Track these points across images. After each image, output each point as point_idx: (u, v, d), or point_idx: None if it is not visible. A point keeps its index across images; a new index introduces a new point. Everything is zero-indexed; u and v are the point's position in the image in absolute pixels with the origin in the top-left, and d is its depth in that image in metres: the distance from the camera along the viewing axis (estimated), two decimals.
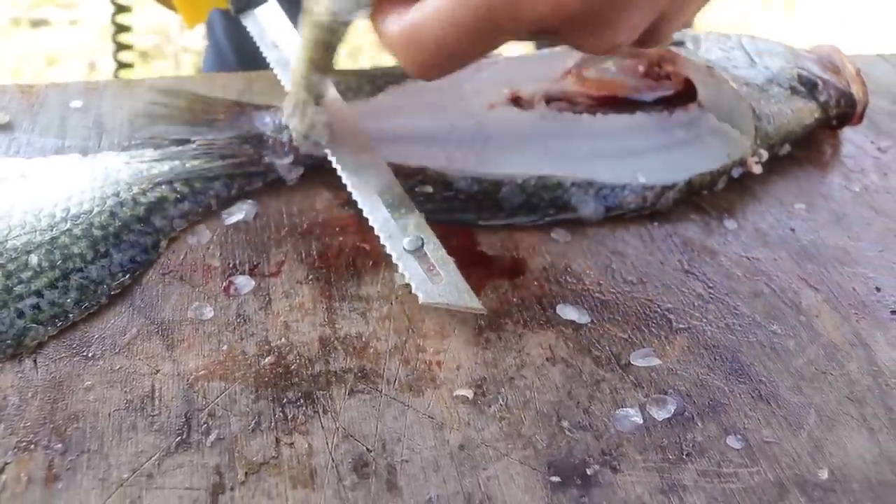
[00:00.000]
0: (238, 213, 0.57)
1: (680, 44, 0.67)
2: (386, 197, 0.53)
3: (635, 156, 0.62)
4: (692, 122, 0.64)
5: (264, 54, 0.61)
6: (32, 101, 0.65)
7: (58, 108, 0.65)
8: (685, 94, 0.67)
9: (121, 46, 0.95)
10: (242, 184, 0.58)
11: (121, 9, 0.92)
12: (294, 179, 0.60)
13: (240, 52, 0.99)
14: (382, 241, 0.53)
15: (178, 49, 2.18)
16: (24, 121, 0.64)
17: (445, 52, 0.44)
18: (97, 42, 2.33)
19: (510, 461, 0.45)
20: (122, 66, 0.97)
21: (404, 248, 0.51)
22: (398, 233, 0.52)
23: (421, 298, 0.50)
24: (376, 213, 0.52)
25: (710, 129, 0.64)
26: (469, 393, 0.48)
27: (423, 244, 0.51)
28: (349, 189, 0.54)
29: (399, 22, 0.44)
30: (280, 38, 0.63)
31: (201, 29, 1.11)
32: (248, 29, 0.63)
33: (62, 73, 2.18)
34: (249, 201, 0.58)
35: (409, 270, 0.51)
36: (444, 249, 0.51)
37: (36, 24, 2.36)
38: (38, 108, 0.65)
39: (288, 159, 0.59)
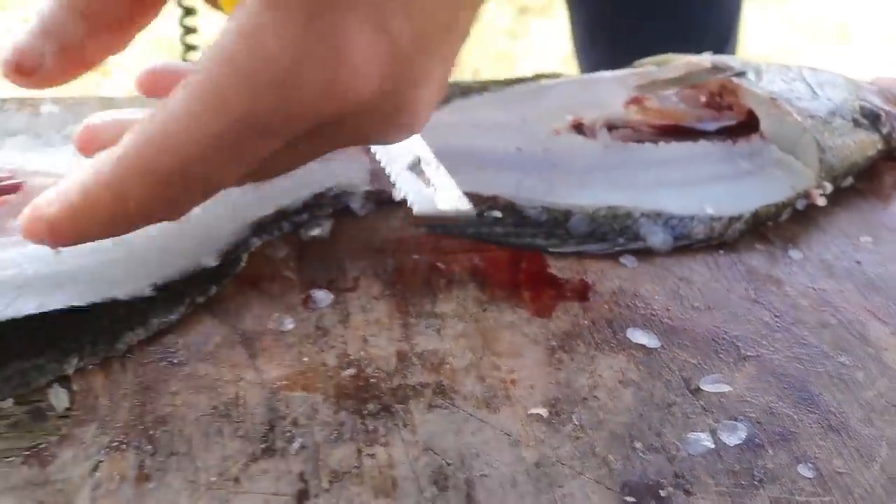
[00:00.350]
0: (314, 230, 0.58)
1: (741, 74, 0.68)
2: None
3: (700, 186, 0.63)
4: (755, 153, 0.65)
5: None
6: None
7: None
8: (747, 125, 0.68)
9: (189, 48, 0.96)
10: (316, 211, 0.59)
11: (188, 11, 0.94)
12: (366, 212, 0.61)
13: None
14: (382, 164, 0.53)
15: None
16: None
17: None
18: (148, 54, 2.36)
19: (585, 480, 0.46)
20: (189, 48, 0.98)
21: (403, 168, 0.51)
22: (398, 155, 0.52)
23: (415, 209, 0.50)
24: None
25: (773, 160, 0.65)
26: (544, 412, 0.49)
27: (420, 162, 0.52)
28: None
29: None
30: None
31: None
32: None
33: (112, 85, 2.21)
34: (324, 218, 0.59)
35: (405, 185, 0.51)
36: (442, 166, 0.52)
37: None
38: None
39: (360, 196, 0.61)
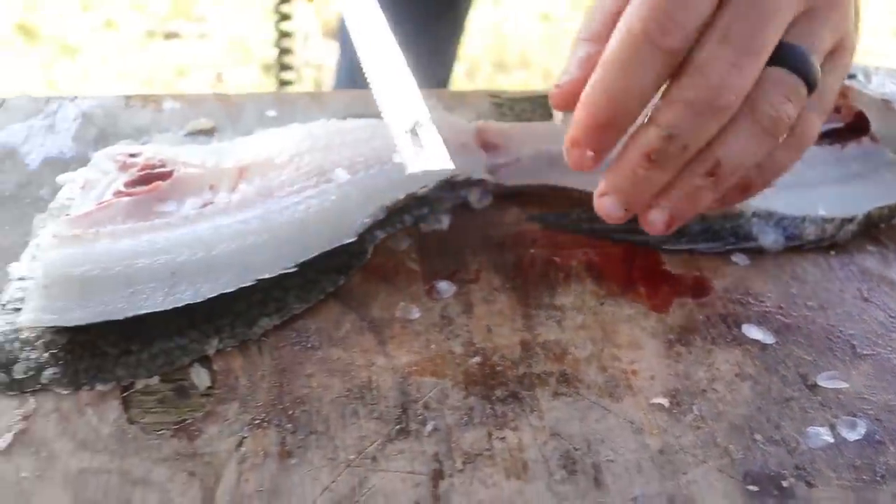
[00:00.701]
0: (434, 223, 0.60)
1: (852, 76, 0.69)
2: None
3: (812, 187, 0.63)
4: (867, 156, 0.66)
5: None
6: (231, 110, 0.69)
7: (255, 116, 0.69)
8: (855, 127, 0.68)
9: (283, 67, 0.99)
10: (436, 206, 0.61)
11: (283, 17, 0.96)
12: (483, 205, 0.63)
13: None
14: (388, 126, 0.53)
15: (300, 63, 2.24)
16: (226, 127, 0.68)
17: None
18: (224, 55, 2.40)
19: (708, 468, 0.47)
20: (283, 82, 1.01)
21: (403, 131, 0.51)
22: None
23: (407, 169, 0.50)
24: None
25: (885, 162, 0.65)
26: (665, 401, 0.50)
27: (416, 125, 0.51)
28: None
29: None
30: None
31: (332, 45, 1.13)
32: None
33: (191, 84, 2.25)
34: (444, 213, 0.61)
35: (402, 149, 0.51)
36: (434, 128, 0.52)
37: (168, 36, 2.45)
38: (237, 115, 0.69)
39: (478, 189, 0.63)
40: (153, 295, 0.50)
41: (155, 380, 0.50)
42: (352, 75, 1.07)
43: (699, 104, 0.45)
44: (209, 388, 0.49)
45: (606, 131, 0.47)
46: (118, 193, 0.55)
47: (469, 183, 0.61)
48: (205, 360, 0.51)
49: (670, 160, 0.47)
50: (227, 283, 0.52)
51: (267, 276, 0.53)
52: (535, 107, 0.71)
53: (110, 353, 0.50)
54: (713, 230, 0.61)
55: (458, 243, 0.60)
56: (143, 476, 0.44)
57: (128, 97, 0.69)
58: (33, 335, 0.50)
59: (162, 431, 0.47)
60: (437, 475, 0.46)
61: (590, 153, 0.48)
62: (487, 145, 0.63)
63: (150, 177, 0.56)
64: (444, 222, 0.61)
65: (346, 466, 0.46)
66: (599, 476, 0.47)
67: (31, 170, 0.62)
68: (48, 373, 0.48)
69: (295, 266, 0.54)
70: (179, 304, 0.51)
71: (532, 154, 0.64)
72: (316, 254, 0.55)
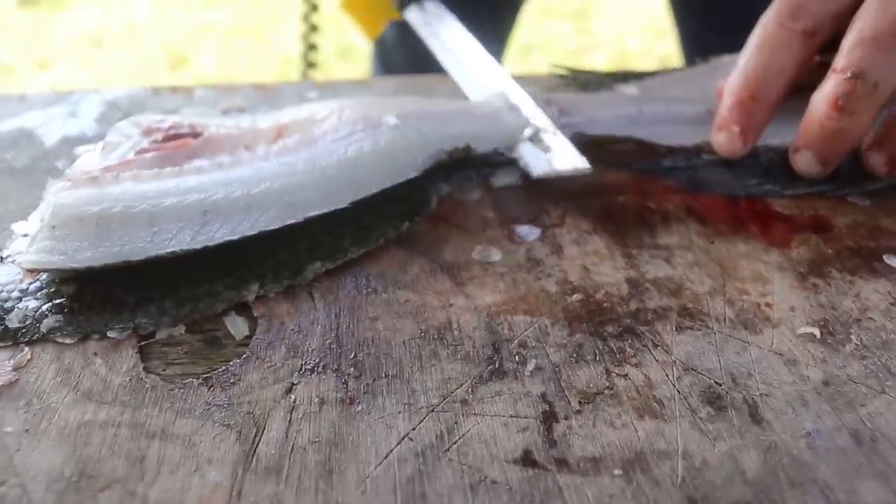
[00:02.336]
0: (506, 178, 0.46)
1: None
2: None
3: None
4: None
5: (438, 57, 0.58)
6: (269, 95, 0.56)
7: (295, 98, 0.56)
8: None
9: (311, 47, 0.86)
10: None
11: (314, 7, 0.85)
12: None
13: (409, 54, 0.90)
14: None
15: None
16: (260, 106, 0.54)
17: None
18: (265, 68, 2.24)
19: (890, 398, 0.33)
20: (309, 65, 0.88)
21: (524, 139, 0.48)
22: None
23: (533, 173, 0.46)
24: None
25: None
26: (815, 331, 0.35)
27: (539, 131, 0.49)
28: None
29: None
30: (450, 39, 0.58)
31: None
32: (416, 29, 0.56)
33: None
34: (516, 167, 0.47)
35: (525, 154, 0.48)
36: (559, 131, 0.48)
37: None
38: (274, 98, 0.56)
39: None
40: (180, 234, 0.36)
41: (181, 329, 0.34)
42: (385, 62, 0.94)
43: (881, 35, 0.42)
44: (247, 337, 0.34)
45: (749, 105, 0.46)
46: (142, 151, 0.41)
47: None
48: (242, 309, 0.36)
49: (861, 102, 0.42)
50: (271, 221, 0.39)
51: (316, 212, 0.39)
52: (600, 79, 0.57)
53: (127, 300, 0.36)
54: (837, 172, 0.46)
55: (535, 195, 0.45)
56: (162, 428, 0.30)
57: (155, 88, 0.56)
58: (35, 284, 0.37)
59: (188, 381, 0.31)
60: (550, 417, 0.31)
61: (736, 128, 0.46)
62: (560, 111, 0.50)
63: (179, 135, 0.42)
64: (515, 177, 0.46)
65: (428, 412, 0.30)
66: (755, 411, 0.33)
67: (47, 146, 0.48)
68: (49, 321, 0.33)
69: (349, 203, 0.41)
70: (212, 244, 0.38)
71: (610, 115, 0.50)
72: (372, 191, 0.43)
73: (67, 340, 0.34)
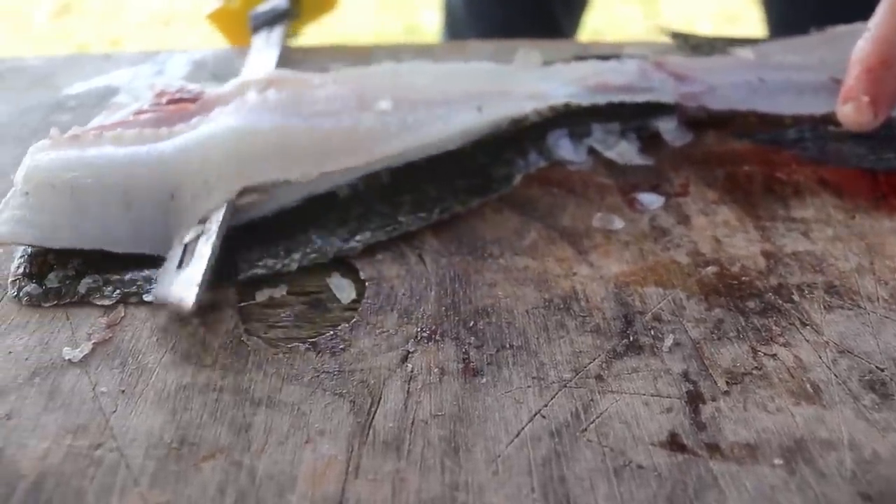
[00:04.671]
0: (619, 147, 0.42)
1: None
2: None
3: None
4: None
5: None
6: (360, 56, 0.53)
7: (387, 58, 0.52)
8: None
9: None
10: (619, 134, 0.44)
11: None
12: (680, 142, 0.44)
13: (480, 25, 0.85)
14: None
15: None
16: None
17: None
18: None
19: None
20: None
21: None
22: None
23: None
24: None
25: None
26: None
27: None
28: None
29: None
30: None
31: None
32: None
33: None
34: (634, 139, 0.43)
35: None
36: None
37: None
38: (367, 61, 0.52)
39: (672, 122, 0.46)
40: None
41: (282, 290, 0.31)
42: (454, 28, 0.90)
43: None
44: (354, 301, 0.30)
45: (880, 72, 0.41)
46: (140, 112, 0.38)
47: (659, 109, 0.43)
48: (347, 271, 0.32)
49: None
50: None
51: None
52: (711, 42, 0.52)
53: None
54: None
55: (653, 161, 0.41)
56: (268, 395, 0.26)
57: (242, 48, 0.53)
58: None
59: (294, 345, 0.28)
60: (696, 398, 0.27)
61: (865, 98, 0.40)
62: (677, 78, 0.45)
63: (183, 100, 0.39)
64: (633, 147, 0.42)
65: (560, 387, 0.27)
66: None
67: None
68: (87, 281, 0.30)
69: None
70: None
71: (728, 82, 0.46)
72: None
73: (105, 302, 0.31)
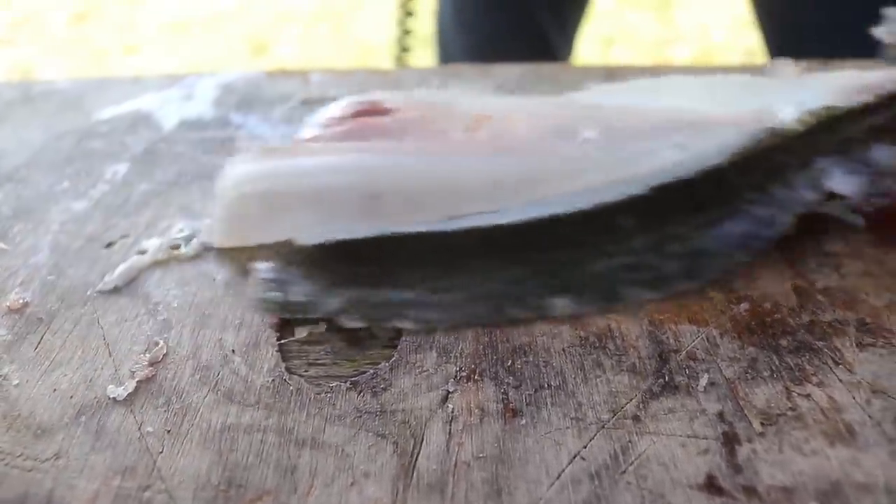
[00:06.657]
0: None
1: None
2: None
3: None
4: None
5: None
6: (387, 81, 0.53)
7: (418, 83, 0.53)
8: None
9: (406, 32, 0.84)
10: None
11: (409, 14, 0.82)
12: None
13: (466, 39, 0.86)
14: None
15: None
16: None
17: None
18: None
19: None
20: (404, 50, 0.86)
21: None
22: None
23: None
24: None
25: None
26: None
27: None
28: None
29: None
30: None
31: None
32: None
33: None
34: None
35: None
36: None
37: None
38: (395, 85, 0.53)
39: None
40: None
41: (321, 327, 0.32)
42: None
43: None
44: (391, 339, 0.31)
45: None
46: (330, 121, 0.38)
47: None
48: None
49: None
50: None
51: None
52: None
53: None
54: None
55: None
56: (312, 436, 0.27)
57: (268, 72, 0.53)
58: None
59: (335, 384, 0.28)
60: (732, 439, 0.27)
61: None
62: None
63: (371, 111, 0.39)
64: None
65: (598, 428, 0.27)
66: None
67: (166, 131, 0.45)
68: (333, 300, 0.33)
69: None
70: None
71: None
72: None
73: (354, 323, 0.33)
